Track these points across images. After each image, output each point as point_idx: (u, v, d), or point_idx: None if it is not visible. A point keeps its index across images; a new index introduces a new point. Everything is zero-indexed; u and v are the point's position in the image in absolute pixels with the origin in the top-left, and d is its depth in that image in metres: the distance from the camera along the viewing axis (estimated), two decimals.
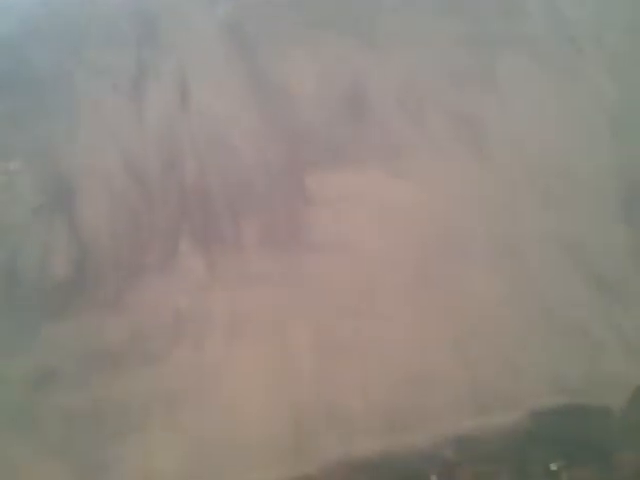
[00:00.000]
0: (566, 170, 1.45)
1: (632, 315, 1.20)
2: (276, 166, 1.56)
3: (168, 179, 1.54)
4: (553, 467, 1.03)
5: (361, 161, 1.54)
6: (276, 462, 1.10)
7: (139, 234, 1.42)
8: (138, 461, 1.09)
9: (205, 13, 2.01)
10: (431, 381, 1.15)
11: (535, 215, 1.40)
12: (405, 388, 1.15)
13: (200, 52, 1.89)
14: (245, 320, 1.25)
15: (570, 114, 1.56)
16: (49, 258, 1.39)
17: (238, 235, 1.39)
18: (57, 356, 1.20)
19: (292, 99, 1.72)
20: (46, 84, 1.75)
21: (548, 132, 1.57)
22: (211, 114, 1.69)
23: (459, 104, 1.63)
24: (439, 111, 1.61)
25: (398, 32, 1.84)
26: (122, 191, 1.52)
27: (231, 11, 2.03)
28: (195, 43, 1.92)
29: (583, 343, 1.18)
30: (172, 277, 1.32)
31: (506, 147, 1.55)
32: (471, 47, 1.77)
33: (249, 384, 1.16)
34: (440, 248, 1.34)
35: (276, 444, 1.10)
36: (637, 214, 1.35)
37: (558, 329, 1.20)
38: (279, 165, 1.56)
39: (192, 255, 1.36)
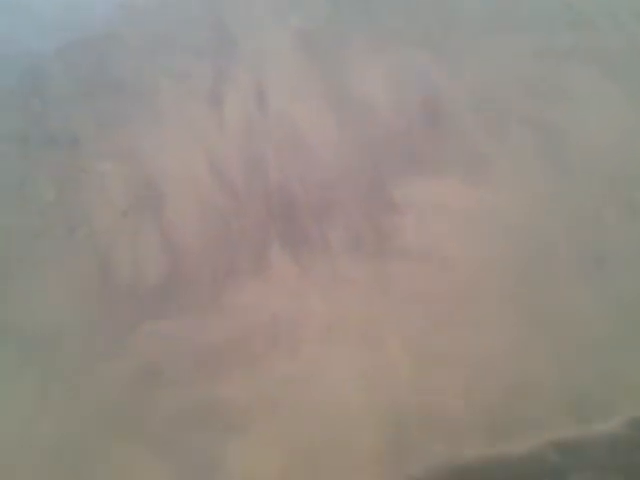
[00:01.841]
0: None
1: None
2: (357, 172, 1.55)
3: (253, 183, 1.53)
4: None
5: (441, 170, 1.52)
6: (377, 466, 1.07)
7: (229, 238, 1.41)
8: (240, 463, 1.08)
9: (278, 22, 2.00)
10: (530, 388, 1.12)
11: (620, 226, 1.37)
12: (505, 395, 1.12)
13: (275, 60, 1.88)
14: (339, 325, 1.22)
15: None
16: (141, 260, 1.38)
17: (326, 241, 1.37)
18: (160, 355, 1.19)
19: (368, 107, 1.70)
20: (128, 88, 1.75)
21: (626, 143, 1.54)
22: (290, 120, 1.68)
23: (536, 115, 1.60)
24: (517, 121, 1.59)
25: (470, 44, 1.82)
26: (209, 195, 1.51)
27: (303, 21, 2.01)
28: (270, 51, 1.91)
29: None
30: (266, 281, 1.31)
31: (586, 158, 1.52)
32: (542, 59, 1.75)
33: (346, 388, 1.14)
34: (527, 257, 1.31)
35: (376, 448, 1.08)
36: None
37: None
38: (360, 172, 1.55)
39: (283, 260, 1.34)
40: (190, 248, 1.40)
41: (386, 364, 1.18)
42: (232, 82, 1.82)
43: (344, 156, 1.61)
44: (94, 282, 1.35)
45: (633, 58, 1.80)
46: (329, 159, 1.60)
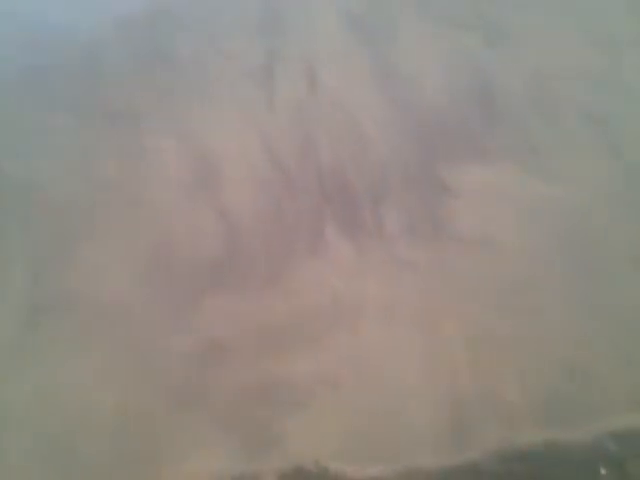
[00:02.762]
0: None
1: None
2: (410, 155, 1.53)
3: (305, 164, 1.53)
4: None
5: (494, 156, 1.50)
6: (435, 445, 1.08)
7: (284, 217, 1.40)
8: (301, 438, 1.09)
9: (326, 3, 1.97)
10: (588, 375, 1.12)
11: None
12: (561, 381, 1.12)
13: (324, 41, 1.86)
14: (397, 306, 1.23)
15: None
16: (199, 235, 1.38)
17: (380, 223, 1.36)
18: (223, 331, 1.20)
19: (419, 90, 1.68)
20: (181, 66, 1.74)
21: None
22: (340, 101, 1.66)
23: (590, 102, 1.58)
24: (571, 109, 1.57)
25: (524, 30, 1.79)
26: (262, 174, 1.50)
27: (351, 2, 1.99)
28: (319, 32, 1.89)
29: None
30: (324, 261, 1.31)
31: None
32: (597, 47, 1.72)
33: (405, 367, 1.14)
34: (583, 245, 1.30)
35: (435, 428, 1.09)
36: None
37: None
38: (413, 154, 1.53)
39: (340, 241, 1.34)
40: (246, 225, 1.41)
41: (444, 346, 1.18)
42: (282, 61, 1.80)
43: (396, 138, 1.59)
44: (155, 255, 1.36)
45: None
46: (381, 141, 1.59)
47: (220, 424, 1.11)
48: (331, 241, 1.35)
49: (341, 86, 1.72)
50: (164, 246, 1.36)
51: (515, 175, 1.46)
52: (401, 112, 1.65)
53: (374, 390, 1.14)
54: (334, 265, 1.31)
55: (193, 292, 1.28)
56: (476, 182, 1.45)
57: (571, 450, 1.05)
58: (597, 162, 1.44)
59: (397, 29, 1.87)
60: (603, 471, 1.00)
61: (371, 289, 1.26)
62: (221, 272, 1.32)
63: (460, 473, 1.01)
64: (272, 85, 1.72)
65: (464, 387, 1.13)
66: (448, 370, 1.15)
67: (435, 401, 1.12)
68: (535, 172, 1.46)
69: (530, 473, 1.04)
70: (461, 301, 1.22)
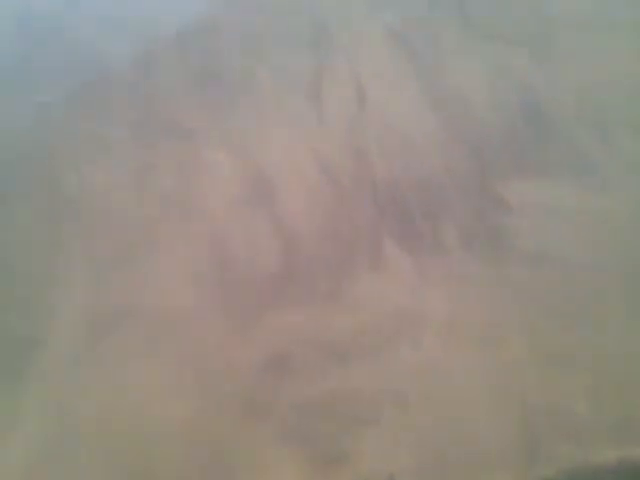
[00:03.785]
0: None
1: None
2: (463, 170, 1.51)
3: (359, 178, 1.50)
4: None
5: (548, 171, 1.47)
6: (505, 464, 1.04)
7: (340, 232, 1.38)
8: (372, 457, 1.05)
9: (372, 20, 1.96)
10: None
11: None
12: (633, 398, 1.08)
13: (370, 56, 1.84)
14: (461, 321, 1.19)
15: None
16: (256, 249, 1.36)
17: (438, 237, 1.34)
18: (287, 345, 1.17)
19: (467, 105, 1.66)
20: (231, 80, 1.73)
21: None
22: (390, 115, 1.64)
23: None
24: (622, 125, 1.54)
25: (571, 46, 1.76)
26: (316, 188, 1.48)
27: (397, 18, 1.97)
28: (365, 47, 1.88)
29: None
30: (383, 275, 1.28)
31: None
32: None
33: (472, 384, 1.11)
34: None
35: (504, 446, 1.05)
36: None
37: None
38: (466, 169, 1.51)
39: (398, 255, 1.31)
40: (303, 239, 1.38)
41: (511, 363, 1.15)
42: (330, 76, 1.79)
43: (447, 154, 1.57)
44: (213, 269, 1.34)
45: None
46: (432, 155, 1.56)
47: (287, 439, 1.08)
48: (390, 255, 1.33)
49: (390, 101, 1.70)
50: (222, 260, 1.34)
51: (571, 190, 1.43)
52: (451, 128, 1.63)
53: (441, 406, 1.11)
54: (394, 279, 1.28)
55: (254, 306, 1.26)
56: (532, 197, 1.42)
57: None
58: None
59: (443, 46, 1.86)
60: None
61: (433, 304, 1.23)
62: (280, 286, 1.29)
63: None
64: (321, 100, 1.70)
65: (533, 404, 1.09)
66: (516, 387, 1.11)
67: (504, 418, 1.08)
68: (590, 187, 1.43)
69: None
70: (526, 317, 1.19)
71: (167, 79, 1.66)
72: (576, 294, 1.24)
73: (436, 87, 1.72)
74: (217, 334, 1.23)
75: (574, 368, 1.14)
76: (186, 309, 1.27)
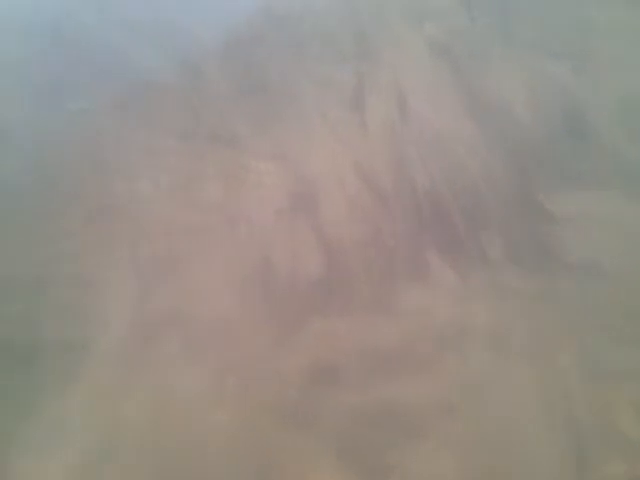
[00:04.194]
0: None
1: None
2: (505, 181, 1.48)
3: (401, 188, 1.49)
4: None
5: (592, 183, 1.44)
6: (554, 478, 1.02)
7: (382, 240, 1.36)
8: (420, 469, 1.03)
9: (413, 32, 1.95)
10: None
11: None
12: None
13: (413, 67, 1.83)
14: (507, 334, 1.17)
15: None
16: (299, 257, 1.35)
17: (482, 249, 1.31)
18: (332, 354, 1.16)
19: (508, 116, 1.63)
20: (275, 91, 1.73)
21: None
22: (431, 126, 1.62)
23: None
24: None
25: (611, 56, 1.73)
26: (358, 197, 1.47)
27: (438, 30, 1.96)
28: (407, 59, 1.86)
29: None
30: (427, 285, 1.26)
31: None
32: None
33: (520, 398, 1.08)
34: None
35: (554, 461, 1.02)
36: None
37: None
38: (509, 181, 1.48)
39: (441, 265, 1.29)
40: (345, 248, 1.37)
41: (559, 378, 1.12)
42: (373, 88, 1.78)
43: (490, 165, 1.55)
44: (256, 277, 1.34)
45: None
46: (475, 167, 1.54)
47: (333, 449, 1.07)
48: (433, 265, 1.31)
49: (431, 112, 1.68)
50: (266, 268, 1.34)
51: (616, 201, 1.40)
52: (492, 138, 1.61)
53: (489, 420, 1.08)
54: (438, 290, 1.27)
55: (297, 313, 1.25)
56: (577, 208, 1.39)
57: None
58: None
59: (483, 57, 1.84)
60: None
61: (479, 316, 1.21)
62: (324, 295, 1.28)
63: None
64: (363, 110, 1.69)
65: (582, 420, 1.07)
66: (564, 402, 1.08)
67: (553, 433, 1.06)
68: (637, 197, 1.40)
69: None
70: (575, 332, 1.16)
71: (213, 87, 1.67)
72: (625, 308, 1.21)
73: (477, 98, 1.70)
74: (262, 342, 1.23)
75: (623, 384, 1.11)
76: (231, 317, 1.27)
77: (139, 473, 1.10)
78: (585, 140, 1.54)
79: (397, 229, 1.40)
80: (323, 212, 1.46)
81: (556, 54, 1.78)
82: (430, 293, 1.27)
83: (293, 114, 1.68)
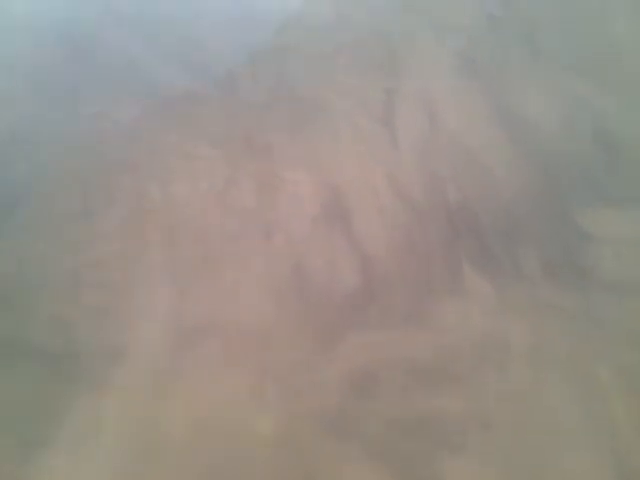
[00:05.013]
0: None
1: None
2: (537, 196, 1.48)
3: (433, 200, 1.49)
4: None
5: (625, 201, 1.45)
6: None
7: (416, 253, 1.36)
8: (455, 478, 1.03)
9: (438, 44, 1.96)
10: None
11: None
12: None
13: (439, 81, 1.84)
14: (545, 349, 1.17)
15: None
16: (334, 267, 1.35)
17: (518, 264, 1.31)
18: (372, 365, 1.15)
19: (537, 134, 1.64)
20: (306, 100, 1.73)
21: None
22: (462, 140, 1.63)
23: None
24: None
25: (635, 73, 1.74)
26: (391, 209, 1.47)
27: (464, 43, 1.97)
28: (433, 73, 1.87)
29: None
30: (464, 300, 1.26)
31: None
32: None
33: (558, 414, 1.08)
34: None
35: (595, 476, 1.02)
36: None
37: None
38: (541, 196, 1.48)
39: (477, 279, 1.29)
40: (380, 260, 1.37)
41: (599, 394, 1.12)
42: (401, 99, 1.78)
43: (521, 179, 1.55)
44: (292, 286, 1.33)
45: None
46: (507, 181, 1.55)
47: (373, 458, 1.06)
48: (469, 279, 1.31)
49: (460, 126, 1.69)
50: (301, 277, 1.34)
51: None
52: (523, 153, 1.62)
53: (525, 434, 1.08)
54: (475, 304, 1.26)
55: (334, 325, 1.25)
56: (612, 227, 1.40)
57: None
58: None
59: (511, 72, 1.85)
60: None
61: (516, 331, 1.21)
62: (360, 306, 1.28)
63: None
64: (393, 122, 1.70)
65: (624, 435, 1.06)
66: (606, 419, 1.08)
67: (592, 449, 1.05)
68: None
69: None
70: (614, 349, 1.16)
71: (247, 97, 1.67)
72: None
73: (506, 113, 1.71)
74: (300, 351, 1.22)
75: None
76: (266, 325, 1.27)
77: (176, 476, 1.09)
78: (616, 160, 1.55)
79: (431, 242, 1.40)
80: (357, 223, 1.46)
81: (583, 71, 1.79)
82: (467, 306, 1.26)
83: (324, 125, 1.68)
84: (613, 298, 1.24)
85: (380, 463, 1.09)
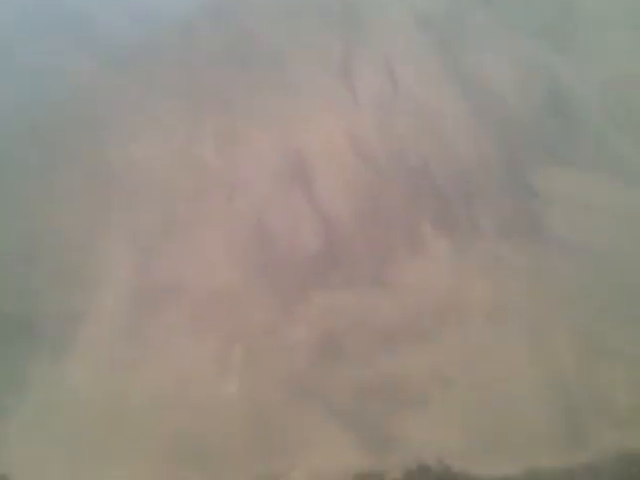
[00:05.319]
0: None
1: None
2: (493, 158, 1.52)
3: (393, 160, 1.51)
4: None
5: (574, 163, 1.50)
6: (553, 448, 1.08)
7: (378, 214, 1.38)
8: (423, 437, 1.08)
9: (402, 6, 1.95)
10: None
11: None
12: None
13: (400, 41, 1.83)
14: (503, 308, 1.22)
15: None
16: (296, 229, 1.35)
17: (475, 224, 1.35)
18: (336, 327, 1.18)
19: (494, 93, 1.67)
20: (268, 57, 1.71)
21: None
22: (421, 101, 1.64)
23: None
24: None
25: (597, 42, 1.78)
26: (352, 169, 1.48)
27: (425, 5, 1.96)
28: (395, 32, 1.86)
29: None
30: (425, 260, 1.29)
31: None
32: None
33: (516, 369, 1.14)
34: None
35: (551, 430, 1.08)
36: None
37: None
38: (496, 157, 1.52)
39: (438, 240, 1.32)
40: (342, 221, 1.38)
41: (552, 351, 1.17)
42: (361, 56, 1.77)
43: (477, 140, 1.58)
44: (253, 248, 1.33)
45: None
46: (464, 143, 1.57)
47: (339, 419, 1.09)
48: (429, 240, 1.33)
49: (420, 86, 1.69)
50: (265, 239, 1.34)
51: (599, 183, 1.45)
52: (479, 114, 1.64)
53: (487, 390, 1.13)
54: (435, 265, 1.29)
55: (299, 286, 1.26)
56: (562, 189, 1.44)
57: None
58: None
59: (470, 34, 1.85)
60: None
61: (475, 290, 1.25)
62: (324, 268, 1.29)
63: (579, 474, 1.01)
64: (352, 79, 1.69)
65: (575, 391, 1.12)
66: (558, 376, 1.14)
67: (548, 403, 1.11)
68: (620, 180, 1.46)
69: None
70: (568, 308, 1.21)
71: (206, 50, 1.62)
72: (615, 287, 1.27)
73: (464, 74, 1.72)
74: (265, 313, 1.23)
75: (615, 359, 1.17)
76: (232, 288, 1.26)
77: (143, 445, 1.10)
78: (569, 122, 1.59)
79: (392, 202, 1.42)
80: (318, 183, 1.46)
81: (541, 35, 1.81)
82: (428, 267, 1.29)
83: (283, 81, 1.66)
84: (564, 256, 1.28)
85: (345, 422, 1.12)
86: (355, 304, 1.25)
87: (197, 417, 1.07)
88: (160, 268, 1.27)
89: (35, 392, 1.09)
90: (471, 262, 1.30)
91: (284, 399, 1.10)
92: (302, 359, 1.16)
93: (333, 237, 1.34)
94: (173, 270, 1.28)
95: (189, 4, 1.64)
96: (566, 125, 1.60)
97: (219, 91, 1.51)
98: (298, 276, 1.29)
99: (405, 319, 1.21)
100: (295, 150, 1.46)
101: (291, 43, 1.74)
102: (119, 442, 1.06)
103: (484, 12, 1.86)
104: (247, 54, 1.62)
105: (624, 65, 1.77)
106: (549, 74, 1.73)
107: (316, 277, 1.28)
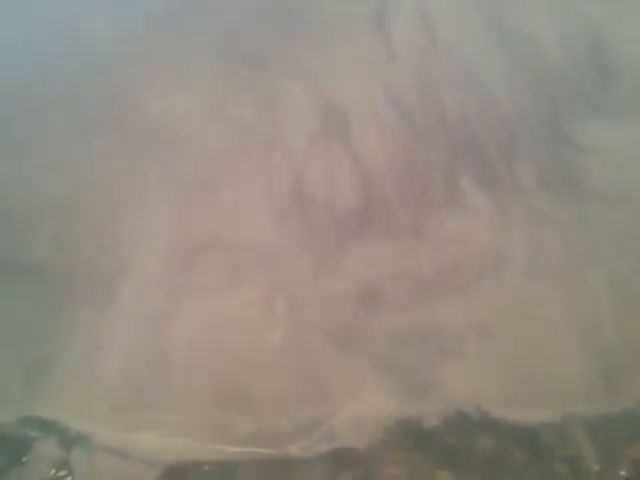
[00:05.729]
0: None
1: None
2: (532, 109, 1.49)
3: (431, 114, 1.49)
4: None
5: (616, 115, 1.46)
6: (590, 393, 1.09)
7: (415, 167, 1.38)
8: (460, 385, 1.10)
9: None
10: None
11: None
12: None
13: None
14: (541, 258, 1.22)
15: None
16: (335, 182, 1.36)
17: (514, 177, 1.34)
18: (375, 278, 1.19)
19: (534, 45, 1.63)
20: (303, 13, 1.69)
21: None
22: (461, 54, 1.61)
23: None
24: None
25: None
26: (389, 123, 1.47)
27: None
28: None
29: None
30: (463, 213, 1.29)
31: None
32: None
33: (552, 319, 1.14)
34: None
35: (587, 377, 1.09)
36: None
37: None
38: (535, 109, 1.49)
39: (476, 193, 1.31)
40: (379, 174, 1.38)
41: (589, 301, 1.17)
42: (397, 7, 1.74)
43: (516, 92, 1.55)
44: (293, 204, 1.34)
45: None
46: (504, 96, 1.54)
47: (379, 367, 1.12)
48: (467, 193, 1.33)
49: (458, 39, 1.66)
50: (302, 195, 1.35)
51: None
52: (519, 67, 1.60)
53: (523, 340, 1.14)
54: (473, 217, 1.29)
55: (337, 238, 1.27)
56: (604, 140, 1.41)
57: None
58: None
59: None
60: None
61: (513, 242, 1.25)
62: (362, 221, 1.30)
63: (616, 420, 1.02)
64: (389, 34, 1.66)
65: (611, 341, 1.13)
66: (595, 325, 1.14)
67: (584, 352, 1.12)
68: None
69: None
70: (606, 256, 1.20)
71: (244, 8, 1.61)
72: None
73: (502, 26, 1.68)
74: (305, 267, 1.25)
75: None
76: (272, 242, 1.28)
77: (188, 391, 1.14)
78: (609, 72, 1.55)
79: (429, 156, 1.41)
80: (355, 137, 1.45)
81: None
82: (465, 219, 1.29)
83: (317, 35, 1.64)
84: (604, 207, 1.27)
85: (385, 371, 1.15)
86: (392, 256, 1.24)
87: (242, 365, 1.09)
88: (199, 222, 1.28)
89: (79, 341, 1.12)
90: (509, 215, 1.28)
91: (323, 347, 1.12)
92: (343, 310, 1.17)
93: (370, 190, 1.32)
94: (212, 224, 1.28)
95: None
96: (605, 78, 1.54)
97: (252, 45, 1.48)
98: (336, 229, 1.29)
99: (442, 271, 1.19)
100: (332, 104, 1.44)
101: (327, 0, 1.71)
102: (164, 389, 1.09)
103: None
104: (284, 13, 1.59)
105: None
106: (589, 28, 1.65)
107: (354, 229, 1.28)
